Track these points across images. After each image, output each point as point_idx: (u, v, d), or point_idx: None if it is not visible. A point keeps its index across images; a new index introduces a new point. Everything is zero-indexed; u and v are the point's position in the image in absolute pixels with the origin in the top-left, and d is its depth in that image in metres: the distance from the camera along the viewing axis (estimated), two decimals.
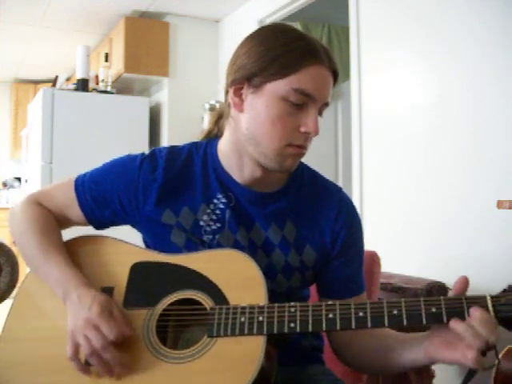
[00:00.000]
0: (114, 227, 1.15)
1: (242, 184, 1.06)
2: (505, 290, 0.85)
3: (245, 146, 1.02)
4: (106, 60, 4.28)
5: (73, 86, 4.04)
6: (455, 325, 0.83)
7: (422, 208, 2.48)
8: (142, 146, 4.01)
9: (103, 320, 0.91)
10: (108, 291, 1.01)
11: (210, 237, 1.05)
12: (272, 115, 0.96)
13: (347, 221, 1.10)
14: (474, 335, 0.81)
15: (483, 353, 0.82)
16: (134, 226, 1.13)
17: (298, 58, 0.95)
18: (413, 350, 0.92)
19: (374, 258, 1.47)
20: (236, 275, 0.96)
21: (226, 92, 1.03)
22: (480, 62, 2.21)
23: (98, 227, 1.14)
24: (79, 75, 3.98)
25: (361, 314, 0.87)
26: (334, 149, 4.20)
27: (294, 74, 0.95)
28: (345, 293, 1.09)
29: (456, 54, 2.32)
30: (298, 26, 3.72)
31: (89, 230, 1.14)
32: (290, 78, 0.95)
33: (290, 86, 0.95)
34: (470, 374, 0.92)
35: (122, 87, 4.43)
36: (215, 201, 1.06)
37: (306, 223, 1.08)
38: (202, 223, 1.05)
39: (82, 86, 3.97)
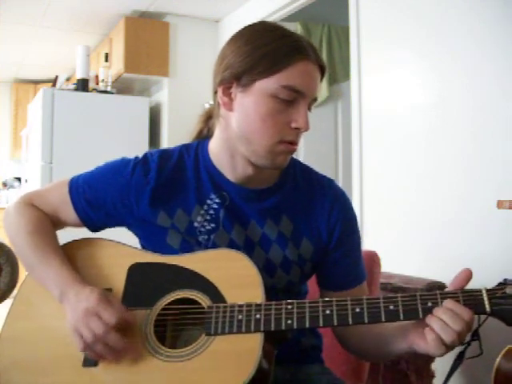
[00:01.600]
0: (111, 229, 1.15)
1: (235, 182, 1.07)
2: (500, 284, 0.85)
3: (236, 145, 1.02)
4: (106, 60, 4.28)
5: (73, 86, 4.04)
6: (429, 320, 0.85)
7: (421, 208, 2.48)
8: (141, 146, 4.02)
9: (102, 306, 0.92)
10: None
11: (205, 237, 1.05)
12: (262, 113, 0.97)
13: (342, 213, 1.10)
14: (442, 327, 0.83)
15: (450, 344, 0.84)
16: (129, 228, 1.13)
17: (285, 55, 0.96)
18: (400, 342, 0.93)
19: (374, 258, 1.47)
20: (233, 274, 0.96)
21: (215, 92, 1.04)
22: (480, 62, 2.21)
23: (92, 229, 1.14)
24: (79, 75, 3.98)
25: (357, 309, 0.88)
26: (334, 149, 4.20)
27: (282, 71, 0.96)
28: (346, 283, 1.10)
29: (456, 53, 2.32)
30: (297, 26, 3.73)
31: (85, 232, 1.14)
32: (278, 75, 0.96)
33: (279, 83, 0.96)
34: (456, 363, 0.93)
35: (122, 87, 4.43)
36: (208, 201, 1.07)
37: (301, 217, 1.08)
38: (196, 224, 1.06)
39: (82, 86, 3.97)
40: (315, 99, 1.01)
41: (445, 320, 0.84)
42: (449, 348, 0.85)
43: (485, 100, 2.19)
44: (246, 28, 1.03)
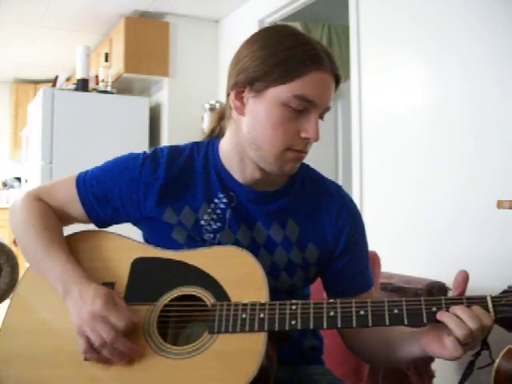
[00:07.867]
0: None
1: (244, 183, 1.07)
2: (505, 291, 0.85)
3: (245, 149, 1.02)
4: (106, 60, 4.28)
5: (73, 86, 4.04)
6: (441, 316, 0.84)
7: (422, 208, 2.48)
8: (141, 146, 4.01)
9: (109, 311, 0.92)
10: (109, 287, 1.00)
11: (211, 236, 1.05)
12: (273, 120, 0.97)
13: (349, 219, 1.10)
14: (457, 323, 0.82)
15: (465, 344, 0.83)
16: (135, 224, 1.13)
17: (300, 63, 0.94)
18: (411, 346, 0.93)
19: (374, 258, 1.47)
20: (237, 272, 0.96)
21: (228, 94, 1.03)
22: (480, 62, 2.21)
23: (99, 225, 1.14)
24: (79, 75, 3.98)
25: (362, 312, 0.87)
26: (334, 149, 4.20)
27: (296, 80, 0.95)
28: (352, 290, 1.09)
29: (456, 54, 2.32)
30: (297, 25, 3.72)
31: (90, 226, 1.14)
32: (292, 83, 0.95)
33: (292, 92, 0.95)
34: (467, 372, 0.92)
35: (121, 87, 4.43)
36: (216, 200, 1.07)
37: (307, 222, 1.08)
38: (202, 222, 1.06)
39: (82, 86, 3.97)
40: (328, 108, 1.00)
41: (461, 317, 0.83)
42: (465, 350, 0.84)
43: (485, 100, 2.19)
44: (263, 31, 1.03)
